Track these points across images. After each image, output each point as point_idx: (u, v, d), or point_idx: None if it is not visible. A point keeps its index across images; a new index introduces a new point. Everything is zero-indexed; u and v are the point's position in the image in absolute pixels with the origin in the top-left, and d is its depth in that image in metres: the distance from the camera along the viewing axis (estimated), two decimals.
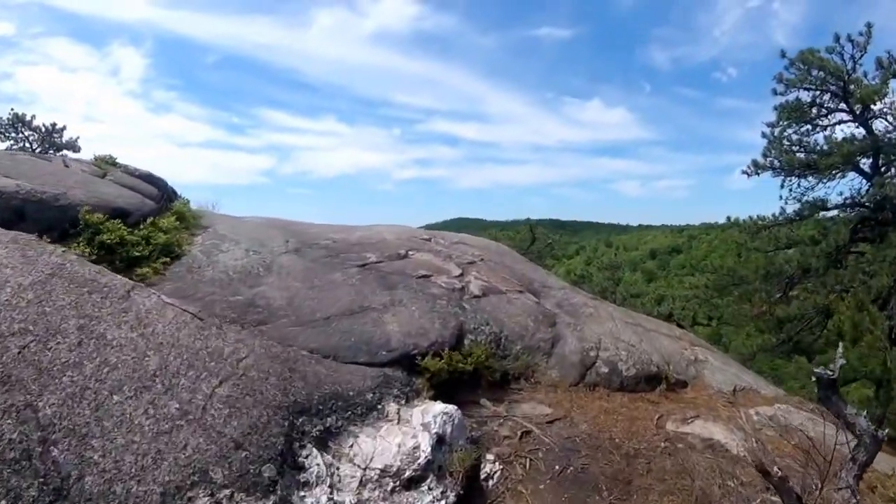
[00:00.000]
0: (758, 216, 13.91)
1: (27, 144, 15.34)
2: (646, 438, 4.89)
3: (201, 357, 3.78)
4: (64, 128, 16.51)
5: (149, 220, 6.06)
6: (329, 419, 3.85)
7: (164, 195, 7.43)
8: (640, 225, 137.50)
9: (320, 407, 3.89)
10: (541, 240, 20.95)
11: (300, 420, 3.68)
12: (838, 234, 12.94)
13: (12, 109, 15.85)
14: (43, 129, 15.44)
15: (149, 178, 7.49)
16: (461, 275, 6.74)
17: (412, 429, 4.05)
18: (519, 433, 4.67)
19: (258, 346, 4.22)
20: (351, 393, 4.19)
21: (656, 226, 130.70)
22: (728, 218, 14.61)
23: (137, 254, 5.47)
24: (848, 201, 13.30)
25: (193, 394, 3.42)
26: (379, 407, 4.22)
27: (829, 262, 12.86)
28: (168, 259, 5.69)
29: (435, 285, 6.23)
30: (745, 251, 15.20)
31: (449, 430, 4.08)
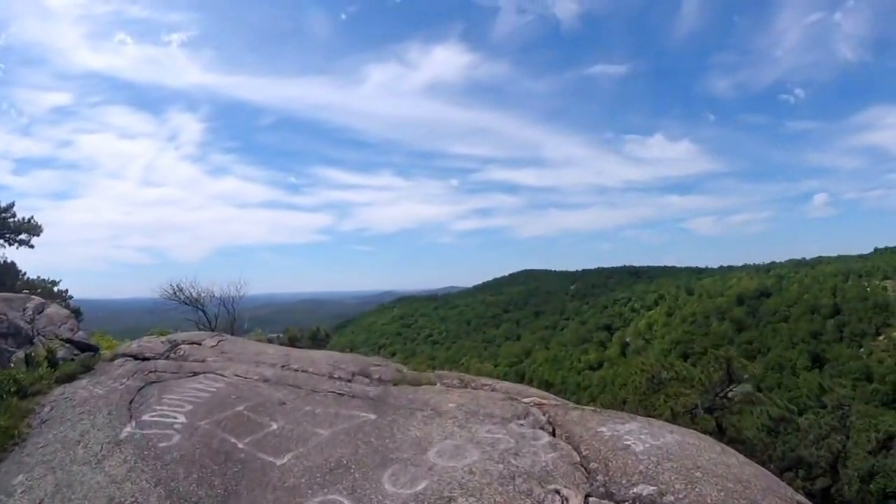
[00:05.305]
0: None
1: None
2: None
3: None
4: (12, 205, 12.95)
5: None
6: None
7: None
8: (720, 266, 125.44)
9: None
10: (737, 374, 12.84)
11: None
12: None
13: None
14: None
15: None
16: None
17: None
18: None
19: None
20: None
21: (738, 266, 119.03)
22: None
23: None
24: None
25: None
26: None
27: None
28: None
29: None
30: None
31: None
